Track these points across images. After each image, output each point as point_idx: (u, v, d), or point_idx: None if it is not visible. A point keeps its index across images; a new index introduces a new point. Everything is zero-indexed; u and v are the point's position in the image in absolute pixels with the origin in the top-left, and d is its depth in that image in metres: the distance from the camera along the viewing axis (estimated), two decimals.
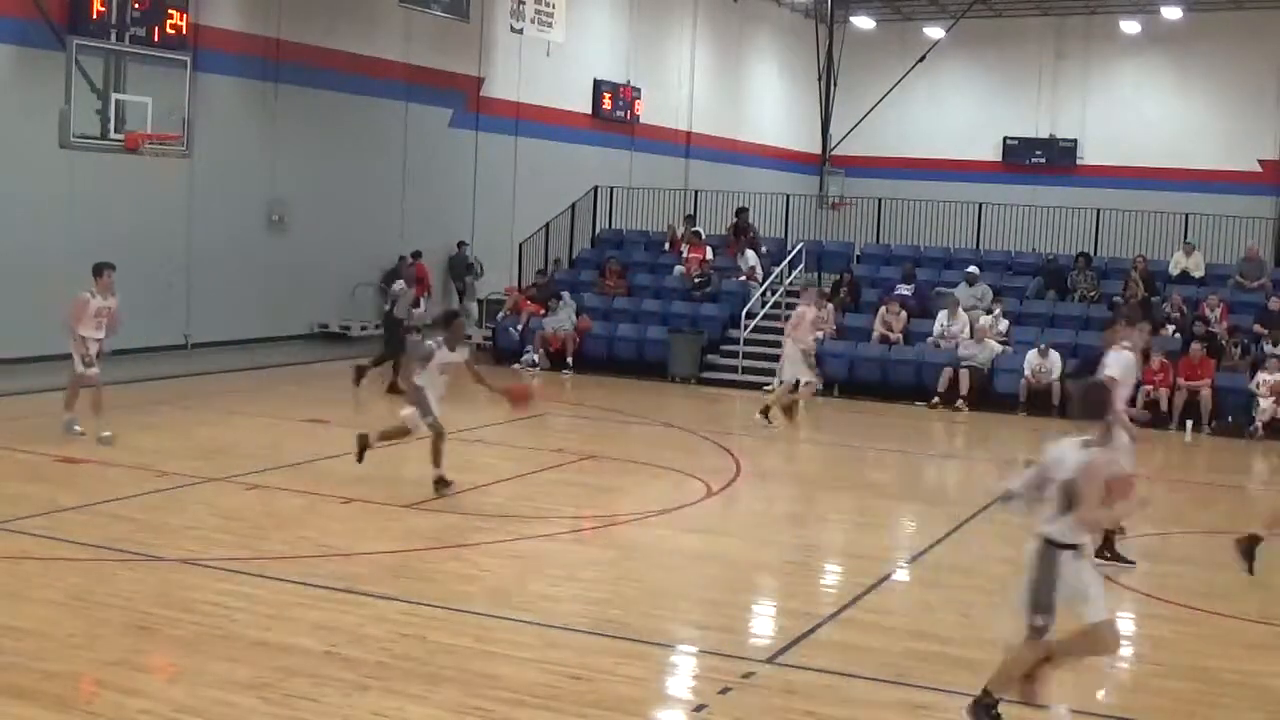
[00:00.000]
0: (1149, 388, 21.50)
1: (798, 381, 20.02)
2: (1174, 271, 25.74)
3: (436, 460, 13.53)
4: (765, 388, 21.88)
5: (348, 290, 27.84)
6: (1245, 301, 24.42)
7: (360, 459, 13.72)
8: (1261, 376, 21.42)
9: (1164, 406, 21.47)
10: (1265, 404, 21.15)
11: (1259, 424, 21.11)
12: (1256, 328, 23.27)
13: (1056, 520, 7.38)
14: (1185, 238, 26.44)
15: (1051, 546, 7.33)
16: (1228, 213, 27.87)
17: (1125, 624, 10.55)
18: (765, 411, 19.51)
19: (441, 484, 13.49)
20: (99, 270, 15.75)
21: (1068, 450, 7.45)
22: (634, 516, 12.89)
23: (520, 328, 26.33)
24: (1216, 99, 37.43)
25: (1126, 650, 9.93)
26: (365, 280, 28.03)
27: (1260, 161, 35.72)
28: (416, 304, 23.45)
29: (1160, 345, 22.61)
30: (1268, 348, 22.38)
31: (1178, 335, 23.08)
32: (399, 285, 22.56)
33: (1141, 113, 38.40)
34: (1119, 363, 11.91)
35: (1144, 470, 18.74)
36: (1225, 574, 11.94)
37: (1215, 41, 36.73)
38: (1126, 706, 8.43)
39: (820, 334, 22.06)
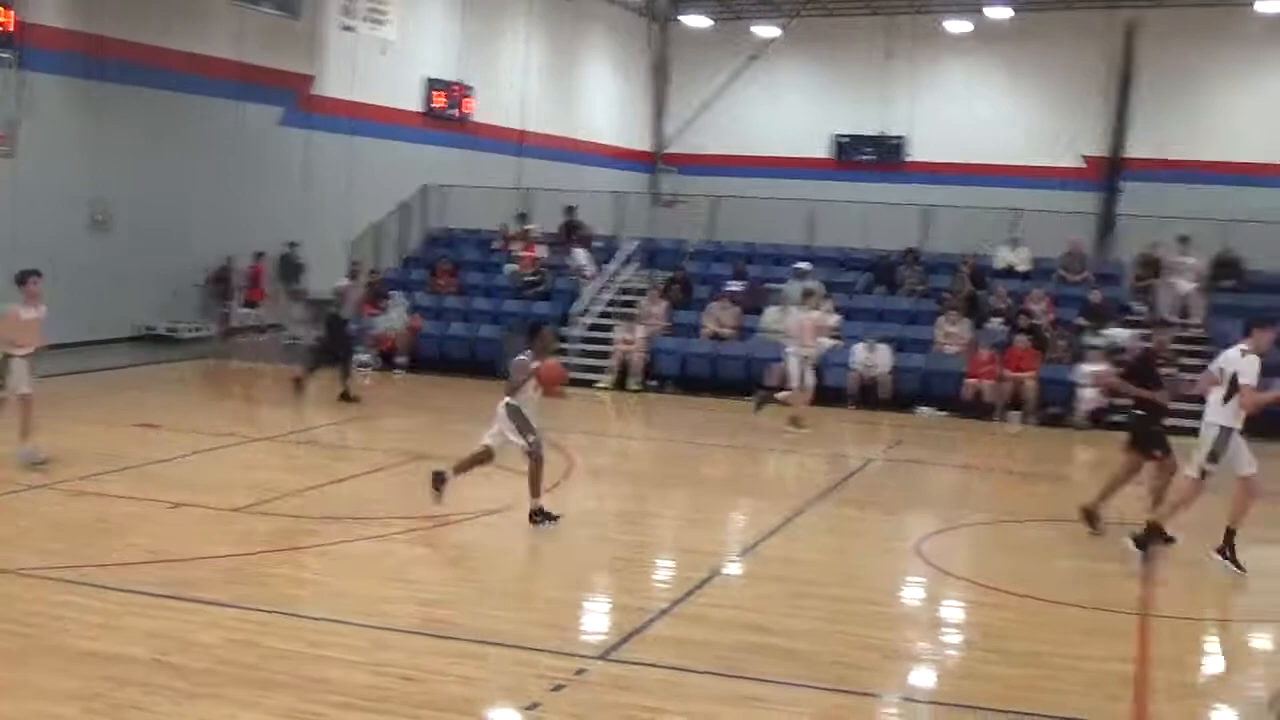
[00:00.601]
0: (974, 380, 22.08)
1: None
2: (1000, 266, 26.41)
3: (535, 489, 12.55)
4: (777, 396, 21.28)
5: (175, 291, 27.19)
6: (1069, 295, 25.14)
7: (440, 496, 12.72)
8: (1084, 367, 22.06)
9: (988, 398, 22.05)
10: (1088, 394, 21.78)
11: (1083, 413, 21.73)
12: (1079, 320, 23.97)
13: None
14: (1011, 233, 27.13)
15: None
16: (1053, 208, 28.65)
17: (956, 612, 10.84)
18: (794, 421, 19.68)
19: (541, 515, 12.52)
20: (23, 278, 14.57)
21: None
22: (465, 516, 12.81)
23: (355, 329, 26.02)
24: (1043, 97, 38.43)
25: (957, 638, 10.20)
26: (194, 281, 27.43)
27: (1084, 158, 36.77)
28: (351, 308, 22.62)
29: (986, 338, 23.23)
30: (1090, 339, 23.08)
31: (1004, 328, 23.69)
32: (344, 283, 22.08)
33: (969, 110, 39.27)
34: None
35: (973, 460, 19.32)
36: (1055, 561, 12.33)
37: (1042, 41, 37.71)
38: (959, 693, 8.59)
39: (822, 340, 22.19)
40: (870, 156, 41.34)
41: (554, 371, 12.86)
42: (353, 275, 23.07)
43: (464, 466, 12.76)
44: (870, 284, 26.40)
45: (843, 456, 19.06)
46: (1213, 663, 10.04)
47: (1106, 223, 29.78)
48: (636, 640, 9.21)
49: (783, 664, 8.74)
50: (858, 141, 41.73)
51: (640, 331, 24.51)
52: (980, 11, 37.55)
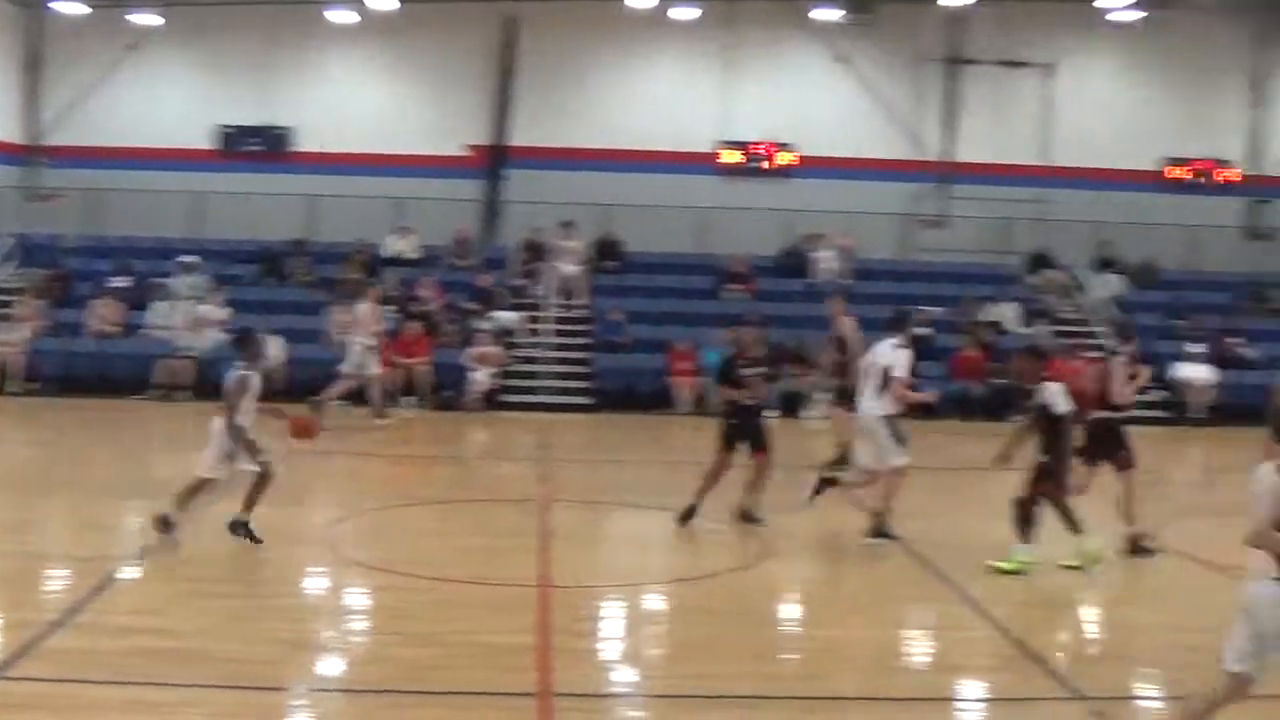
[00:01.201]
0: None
1: None
2: (389, 254, 26.78)
3: (251, 503, 11.88)
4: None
5: None
6: (458, 280, 25.87)
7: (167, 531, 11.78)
8: (474, 350, 22.78)
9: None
10: (479, 376, 22.51)
11: (475, 395, 22.43)
12: (469, 305, 24.72)
13: None
14: (399, 221, 27.54)
15: None
16: (441, 196, 29.34)
17: (361, 599, 10.94)
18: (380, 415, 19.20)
19: (241, 528, 11.90)
20: None
21: None
22: None
23: None
24: (429, 87, 38.92)
25: (363, 623, 10.30)
26: None
27: (470, 146, 37.69)
28: None
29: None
30: (479, 323, 23.85)
31: (398, 315, 24.05)
32: None
33: (357, 100, 39.20)
34: None
35: (370, 448, 19.48)
36: (454, 540, 12.69)
37: (428, 31, 38.24)
38: (364, 679, 8.71)
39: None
40: (257, 147, 40.65)
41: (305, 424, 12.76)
42: None
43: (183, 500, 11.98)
44: (259, 275, 26.07)
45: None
46: (609, 627, 10.66)
47: (492, 209, 30.80)
48: (28, 656, 8.69)
49: (184, 667, 8.50)
50: (244, 132, 40.89)
51: (19, 332, 23.05)
52: (362, 1, 37.75)
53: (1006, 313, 25.30)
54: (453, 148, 37.99)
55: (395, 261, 26.57)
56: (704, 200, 28.77)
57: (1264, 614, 6.62)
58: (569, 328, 25.69)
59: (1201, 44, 34.22)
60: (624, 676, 9.30)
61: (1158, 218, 30.16)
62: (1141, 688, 9.38)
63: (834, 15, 29.82)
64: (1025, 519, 11.84)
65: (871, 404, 12.93)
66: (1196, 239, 30.05)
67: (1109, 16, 34.35)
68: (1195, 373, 24.06)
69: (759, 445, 13.53)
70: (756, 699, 8.46)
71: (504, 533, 12.89)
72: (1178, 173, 35.71)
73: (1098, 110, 35.30)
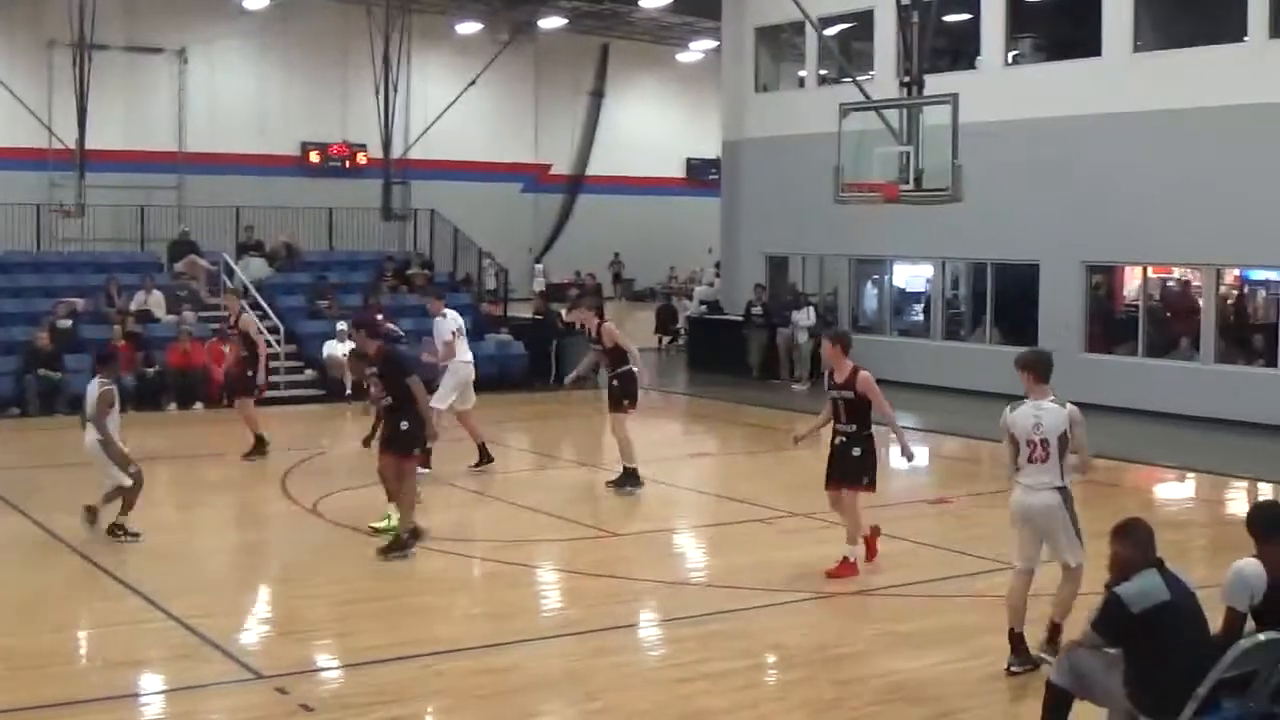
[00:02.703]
0: None
1: None
2: None
3: (128, 508, 12.56)
4: None
5: None
6: None
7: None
8: None
9: None
10: None
11: None
12: None
13: None
14: None
15: None
16: None
17: None
18: None
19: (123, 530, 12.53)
20: None
21: None
22: None
23: None
24: None
25: None
26: None
27: None
28: None
29: None
30: None
31: None
32: None
33: None
34: None
35: None
36: None
37: None
38: None
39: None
40: None
41: None
42: None
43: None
44: None
45: None
46: None
47: None
48: None
49: None
50: None
51: None
52: None
53: (153, 301, 24.86)
54: None
55: None
56: None
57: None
58: None
59: (333, 31, 35.64)
60: None
61: (300, 201, 31.01)
62: (321, 660, 9.74)
63: None
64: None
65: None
66: (337, 221, 31.28)
67: (240, 3, 34.81)
68: (343, 350, 24.86)
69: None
70: None
71: None
72: (315, 156, 37.05)
73: (234, 96, 35.69)
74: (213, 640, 9.68)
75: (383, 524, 12.75)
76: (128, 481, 12.47)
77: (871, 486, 11.63)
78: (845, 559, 11.57)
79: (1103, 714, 7.14)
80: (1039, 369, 9.13)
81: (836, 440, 11.59)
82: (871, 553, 11.88)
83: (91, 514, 12.69)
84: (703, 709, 8.48)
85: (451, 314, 16.75)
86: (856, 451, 11.42)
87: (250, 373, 17.54)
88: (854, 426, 11.42)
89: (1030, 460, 8.91)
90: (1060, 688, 7.11)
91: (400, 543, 12.08)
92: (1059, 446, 8.90)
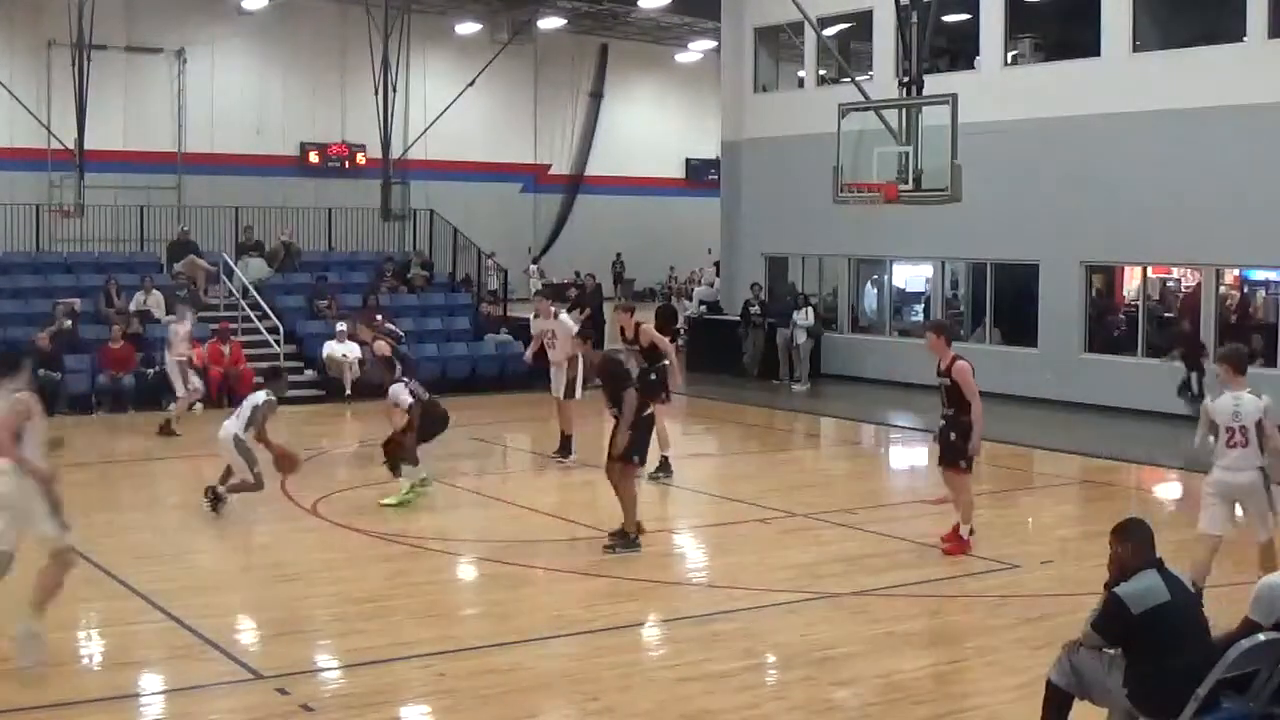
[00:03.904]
0: None
1: None
2: None
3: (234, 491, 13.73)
4: None
5: None
6: None
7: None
8: None
9: None
10: None
11: None
12: None
13: None
14: None
15: None
16: None
17: None
18: None
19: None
20: None
21: None
22: None
23: None
24: None
25: None
26: None
27: None
28: None
29: None
30: None
31: None
32: None
33: None
34: None
35: None
36: None
37: None
38: None
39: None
40: None
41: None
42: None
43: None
44: None
45: None
46: None
47: None
48: None
49: None
50: None
51: None
52: None
53: (153, 301, 24.83)
54: None
55: None
56: None
57: None
58: None
59: (332, 31, 35.61)
60: None
61: (298, 201, 31.00)
62: (321, 660, 9.73)
63: None
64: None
65: None
66: (336, 221, 31.26)
67: (240, 3, 34.79)
68: (342, 350, 24.82)
69: None
70: None
71: None
72: (315, 157, 37.04)
73: (233, 96, 35.67)
74: (213, 640, 9.68)
75: (393, 500, 14.11)
76: (251, 479, 13.69)
77: (968, 469, 12.32)
78: (957, 533, 12.24)
79: (1103, 714, 7.14)
80: (1236, 362, 10.13)
81: (941, 424, 12.42)
82: (955, 544, 12.28)
83: (214, 497, 13.80)
84: (703, 709, 8.47)
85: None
86: (953, 435, 12.17)
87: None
88: (953, 411, 12.19)
89: (1230, 445, 9.87)
90: (1060, 688, 7.10)
91: (626, 539, 12.51)
92: (1256, 432, 9.74)
